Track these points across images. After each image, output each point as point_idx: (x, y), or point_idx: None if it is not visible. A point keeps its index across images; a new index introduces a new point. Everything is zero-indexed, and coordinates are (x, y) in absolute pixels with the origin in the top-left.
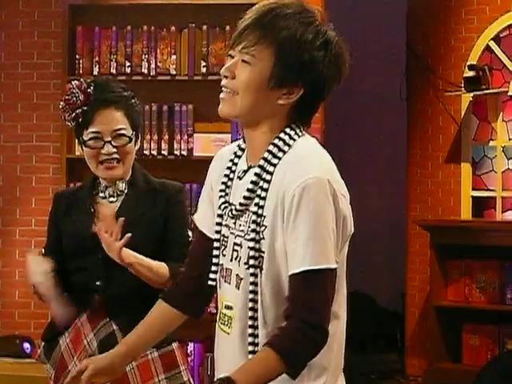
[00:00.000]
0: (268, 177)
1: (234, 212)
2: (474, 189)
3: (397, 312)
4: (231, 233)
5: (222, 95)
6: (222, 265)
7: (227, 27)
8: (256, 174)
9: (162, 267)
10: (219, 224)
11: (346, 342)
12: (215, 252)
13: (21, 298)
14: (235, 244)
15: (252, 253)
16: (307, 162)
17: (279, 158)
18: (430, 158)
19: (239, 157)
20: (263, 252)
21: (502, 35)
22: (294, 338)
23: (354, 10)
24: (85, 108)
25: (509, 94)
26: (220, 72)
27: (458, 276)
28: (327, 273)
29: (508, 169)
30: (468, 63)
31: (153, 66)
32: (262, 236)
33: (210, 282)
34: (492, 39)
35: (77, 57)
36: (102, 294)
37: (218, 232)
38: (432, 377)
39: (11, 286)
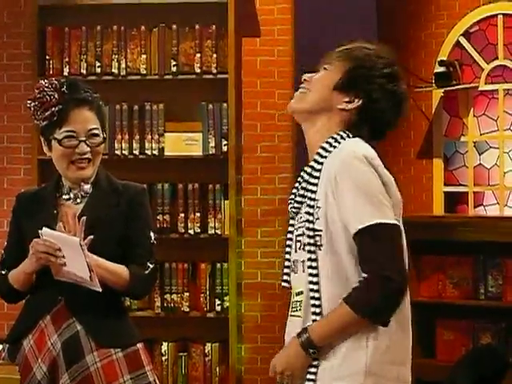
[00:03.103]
0: (319, 166)
1: (295, 207)
2: (446, 184)
3: None
4: (295, 228)
5: (296, 94)
6: (291, 261)
7: (197, 26)
8: (307, 173)
9: (122, 271)
10: (290, 232)
11: None
12: (287, 255)
13: None
14: (298, 235)
15: (308, 232)
16: (344, 147)
17: (325, 157)
18: (402, 154)
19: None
20: (320, 230)
21: (471, 31)
22: (360, 287)
23: (323, 6)
24: (60, 107)
25: (479, 89)
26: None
27: (431, 271)
28: (383, 227)
29: (480, 164)
30: (438, 59)
31: (123, 65)
32: (317, 216)
33: (283, 284)
34: (462, 35)
35: (47, 57)
36: (66, 296)
37: (289, 239)
38: None
39: None
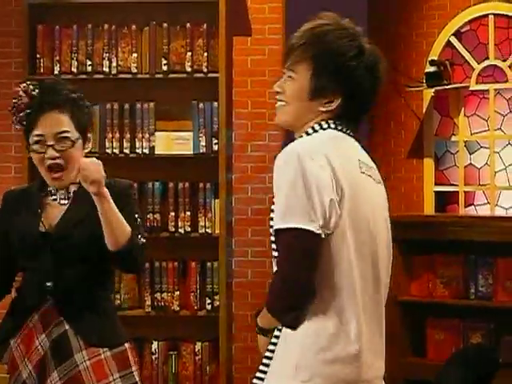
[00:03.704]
0: None
1: None
2: (436, 184)
3: None
4: None
5: (276, 106)
6: None
7: (188, 25)
8: None
9: (127, 225)
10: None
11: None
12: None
13: None
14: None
15: (271, 230)
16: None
17: None
18: (393, 154)
19: None
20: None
21: (462, 30)
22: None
23: (314, 5)
24: (28, 111)
25: (470, 88)
26: (273, 88)
27: (421, 271)
28: (288, 232)
29: (470, 164)
30: (429, 58)
31: (114, 64)
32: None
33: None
34: (453, 34)
35: (38, 56)
36: (53, 294)
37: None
38: (396, 372)
39: None
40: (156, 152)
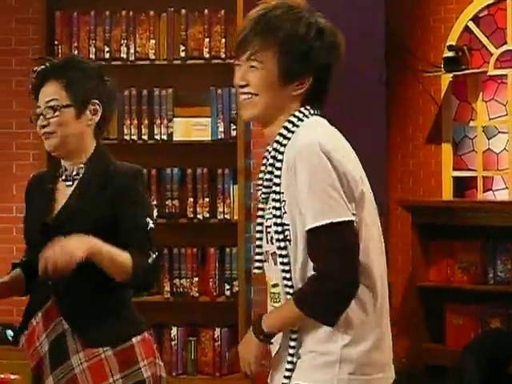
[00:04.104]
0: (280, 156)
1: (263, 197)
2: (454, 169)
3: None
4: (265, 218)
5: (241, 101)
6: (263, 250)
7: (206, 11)
8: (272, 157)
9: (125, 259)
10: (260, 216)
11: None
12: (258, 242)
13: None
14: (267, 227)
15: (276, 228)
16: (303, 133)
17: (288, 139)
18: (411, 139)
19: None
20: (288, 225)
21: (480, 15)
22: (307, 285)
23: None
24: (33, 82)
25: (488, 74)
26: (234, 84)
27: (440, 256)
28: (333, 226)
29: (488, 149)
30: (447, 44)
31: (132, 50)
32: (284, 210)
33: (255, 270)
34: (471, 19)
35: (55, 42)
36: (55, 292)
37: (259, 224)
38: (416, 357)
39: None
40: (174, 138)
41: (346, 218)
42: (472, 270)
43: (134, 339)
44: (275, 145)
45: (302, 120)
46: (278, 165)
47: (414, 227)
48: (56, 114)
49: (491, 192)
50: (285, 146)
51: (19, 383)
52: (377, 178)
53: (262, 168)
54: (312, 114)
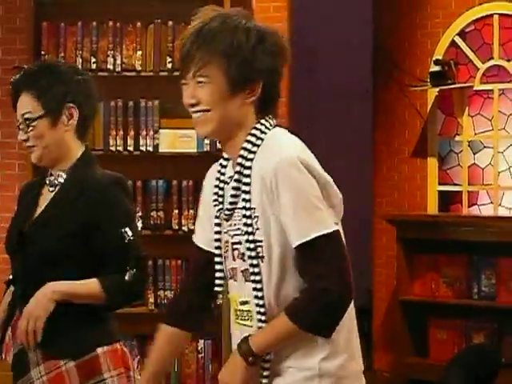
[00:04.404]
0: (247, 171)
1: (226, 213)
2: (440, 183)
3: (363, 307)
4: (229, 235)
5: (195, 120)
6: (228, 267)
7: None
8: (237, 172)
9: (92, 289)
10: (218, 232)
11: None
12: (217, 259)
13: None
14: (234, 243)
15: (248, 245)
16: (277, 146)
17: (254, 153)
18: (396, 153)
19: (225, 166)
20: (260, 241)
21: (467, 30)
22: (300, 298)
23: (319, 4)
24: (12, 93)
25: (474, 88)
26: (184, 103)
27: (424, 271)
28: (323, 238)
29: (474, 163)
30: (434, 58)
31: (118, 61)
32: (256, 227)
33: (216, 288)
34: (458, 34)
35: (42, 53)
36: (20, 306)
37: (217, 240)
38: (399, 372)
39: None
40: (160, 150)
41: (334, 228)
42: (456, 285)
43: (99, 349)
44: (240, 160)
45: (265, 132)
46: (245, 180)
47: (398, 241)
48: (30, 128)
49: (476, 207)
50: (251, 160)
51: None
52: (362, 191)
53: (216, 182)
54: (273, 125)
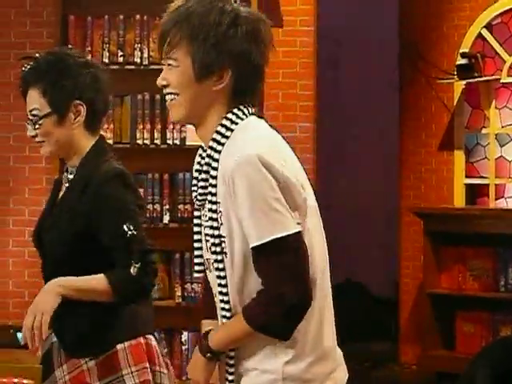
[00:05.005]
0: (215, 164)
1: (198, 203)
2: (467, 176)
3: (390, 300)
4: (202, 225)
5: (168, 103)
6: (204, 257)
7: None
8: (206, 164)
9: (97, 284)
10: (196, 217)
11: (338, 330)
12: (196, 244)
13: (14, 288)
14: (206, 235)
15: (213, 240)
16: (239, 142)
17: (223, 144)
18: (423, 146)
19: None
20: (224, 237)
21: (493, 23)
22: (256, 300)
23: None
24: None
25: (501, 81)
26: (158, 84)
27: (451, 263)
28: (280, 241)
29: (501, 156)
30: (460, 51)
31: (145, 55)
32: (220, 222)
33: (195, 274)
34: (484, 27)
35: (69, 46)
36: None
37: (196, 225)
38: (426, 364)
39: (5, 275)
40: (187, 142)
41: (293, 230)
42: (483, 278)
43: (119, 346)
44: (209, 151)
45: (236, 123)
46: (212, 173)
47: (425, 234)
48: (37, 125)
49: (503, 199)
50: (219, 152)
51: None
52: (389, 184)
53: (197, 167)
54: (246, 115)
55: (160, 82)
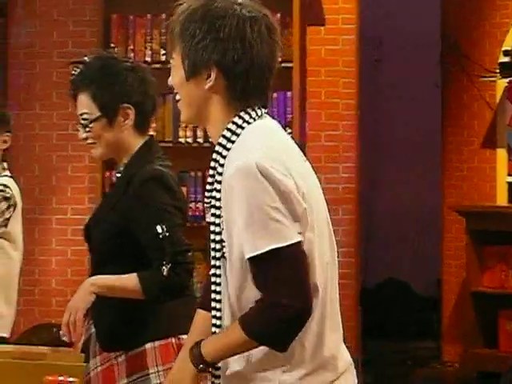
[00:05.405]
0: (220, 169)
1: (206, 206)
2: (509, 174)
3: (433, 298)
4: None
5: (178, 104)
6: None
7: None
8: (211, 168)
9: (129, 283)
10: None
11: (381, 329)
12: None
13: (57, 286)
14: (208, 239)
15: (213, 245)
16: (239, 149)
17: (228, 149)
18: (466, 144)
19: None
20: (224, 242)
21: None
22: (255, 309)
23: None
24: (71, 92)
25: None
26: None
27: (494, 262)
28: (278, 251)
29: None
30: (503, 49)
31: None
32: (222, 227)
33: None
34: None
35: (112, 45)
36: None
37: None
38: (468, 363)
39: (47, 274)
40: None
41: (293, 240)
42: None
43: (148, 345)
44: (215, 155)
45: (243, 127)
46: (218, 178)
47: (468, 232)
48: (88, 129)
49: None
50: (225, 157)
51: None
52: (431, 182)
53: (209, 179)
54: (254, 118)
55: (169, 82)
